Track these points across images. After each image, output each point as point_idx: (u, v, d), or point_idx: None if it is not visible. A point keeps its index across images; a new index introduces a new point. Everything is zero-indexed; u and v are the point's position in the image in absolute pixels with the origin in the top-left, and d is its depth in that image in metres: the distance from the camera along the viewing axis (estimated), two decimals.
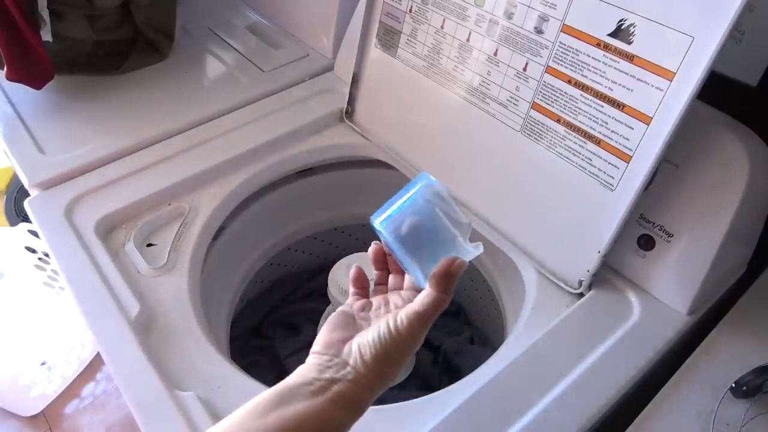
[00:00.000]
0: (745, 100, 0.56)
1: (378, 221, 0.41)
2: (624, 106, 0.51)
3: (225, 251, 0.75)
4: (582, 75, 0.53)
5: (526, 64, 0.57)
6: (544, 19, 0.54)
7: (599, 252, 0.55)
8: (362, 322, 0.41)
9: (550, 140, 0.57)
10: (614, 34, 0.50)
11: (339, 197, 0.86)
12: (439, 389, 0.52)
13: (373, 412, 0.50)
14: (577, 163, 0.55)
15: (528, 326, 0.56)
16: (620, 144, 0.52)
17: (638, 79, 0.49)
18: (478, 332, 0.87)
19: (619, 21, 0.49)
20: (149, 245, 0.65)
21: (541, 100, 0.57)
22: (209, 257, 0.68)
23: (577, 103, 0.54)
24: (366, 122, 0.77)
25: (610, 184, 0.53)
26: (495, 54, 0.60)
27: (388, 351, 0.37)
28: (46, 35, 0.75)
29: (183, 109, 0.80)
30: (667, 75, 0.47)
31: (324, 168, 0.81)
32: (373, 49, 0.73)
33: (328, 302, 0.68)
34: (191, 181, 0.70)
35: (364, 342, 0.38)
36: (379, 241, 0.44)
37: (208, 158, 0.72)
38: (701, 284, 0.54)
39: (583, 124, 0.54)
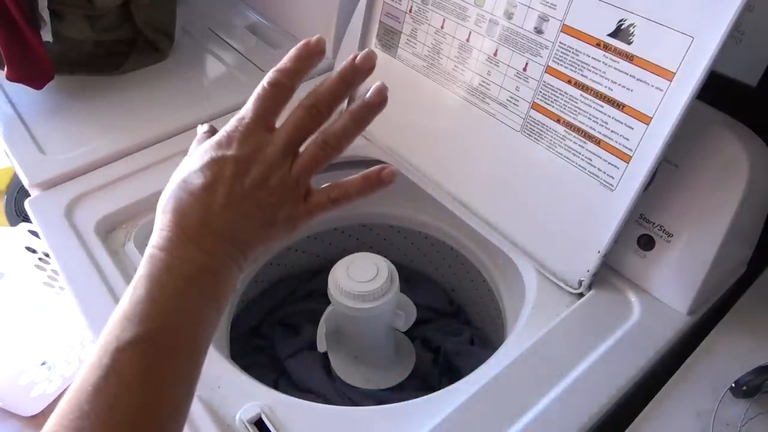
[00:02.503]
0: (745, 100, 0.56)
1: None
2: (624, 106, 0.51)
3: None
4: (582, 75, 0.53)
5: (526, 64, 0.57)
6: (544, 19, 0.54)
7: (599, 252, 0.55)
8: None
9: (550, 140, 0.57)
10: (614, 34, 0.50)
11: None
12: (439, 389, 0.52)
13: (373, 412, 0.50)
14: (577, 163, 0.55)
15: (528, 326, 0.56)
16: (620, 144, 0.52)
17: (638, 79, 0.49)
18: (478, 332, 0.87)
19: (619, 21, 0.49)
20: None
21: (541, 100, 0.57)
22: None
23: (577, 103, 0.54)
24: None
25: (610, 184, 0.53)
26: (495, 54, 0.60)
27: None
28: (47, 35, 0.75)
29: (183, 109, 0.80)
30: (667, 75, 0.47)
31: (324, 168, 0.81)
32: (373, 49, 0.73)
33: (328, 302, 0.68)
34: None
35: None
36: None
37: None
38: (701, 284, 0.54)
39: (583, 124, 0.54)
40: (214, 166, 0.32)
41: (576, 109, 0.54)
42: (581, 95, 0.53)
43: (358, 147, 0.77)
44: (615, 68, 0.50)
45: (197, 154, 0.33)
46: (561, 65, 0.54)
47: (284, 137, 0.34)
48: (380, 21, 0.71)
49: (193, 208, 0.31)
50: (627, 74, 0.50)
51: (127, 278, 0.59)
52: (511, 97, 0.59)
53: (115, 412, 0.26)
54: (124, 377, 0.27)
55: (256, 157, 0.33)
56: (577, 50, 0.53)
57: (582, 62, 0.53)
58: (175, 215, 0.31)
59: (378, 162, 0.77)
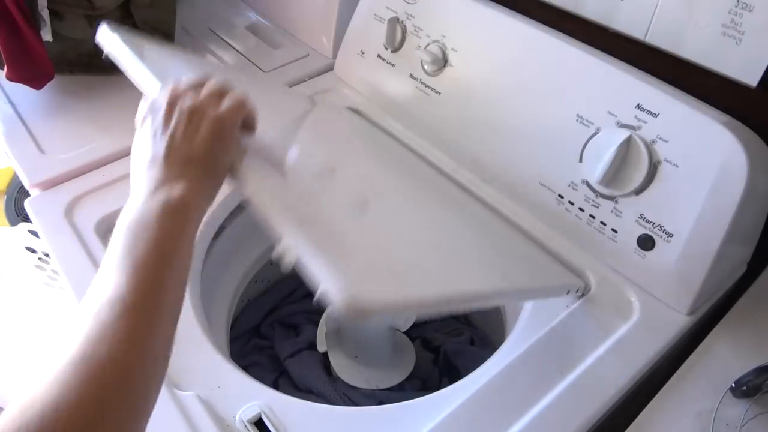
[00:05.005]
0: (745, 100, 0.56)
1: None
2: None
3: (225, 251, 0.75)
4: None
5: None
6: None
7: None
8: None
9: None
10: None
11: None
12: (439, 389, 0.52)
13: (373, 411, 0.50)
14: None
15: (528, 326, 0.56)
16: None
17: None
18: (478, 332, 0.87)
19: None
20: None
21: None
22: (209, 257, 0.68)
23: None
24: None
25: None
26: None
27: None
28: (46, 35, 0.75)
29: None
30: None
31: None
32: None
33: None
34: None
35: None
36: None
37: None
38: (701, 284, 0.54)
39: None
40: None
41: None
42: None
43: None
44: None
45: None
46: None
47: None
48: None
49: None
50: None
51: None
52: None
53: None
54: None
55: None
56: None
57: None
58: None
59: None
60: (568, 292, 0.57)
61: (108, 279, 0.32)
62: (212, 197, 0.38)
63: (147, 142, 0.38)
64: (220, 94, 0.41)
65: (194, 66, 0.55)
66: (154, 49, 0.53)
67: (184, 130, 0.38)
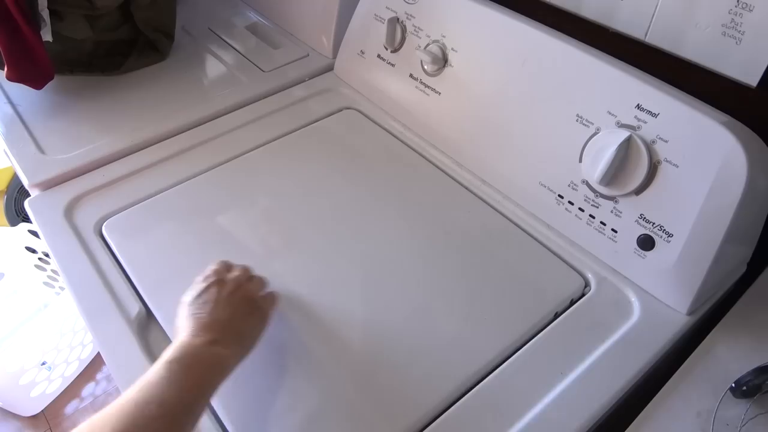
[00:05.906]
0: (745, 101, 0.56)
1: None
2: None
3: None
4: None
5: None
6: None
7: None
8: None
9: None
10: None
11: None
12: None
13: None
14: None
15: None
16: None
17: None
18: None
19: None
20: None
21: None
22: None
23: None
24: None
25: None
26: None
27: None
28: (46, 35, 0.75)
29: (183, 109, 0.80)
30: None
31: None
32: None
33: None
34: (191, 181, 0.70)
35: None
36: None
37: (208, 158, 0.72)
38: (701, 284, 0.54)
39: None
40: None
41: None
42: None
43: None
44: None
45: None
46: None
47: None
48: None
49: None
50: None
51: (126, 279, 0.59)
52: None
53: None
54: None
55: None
56: None
57: None
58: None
59: None
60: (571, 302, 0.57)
61: (159, 382, 0.41)
62: (242, 357, 0.47)
63: (197, 297, 0.48)
64: (262, 284, 0.53)
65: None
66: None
67: (225, 305, 0.48)
